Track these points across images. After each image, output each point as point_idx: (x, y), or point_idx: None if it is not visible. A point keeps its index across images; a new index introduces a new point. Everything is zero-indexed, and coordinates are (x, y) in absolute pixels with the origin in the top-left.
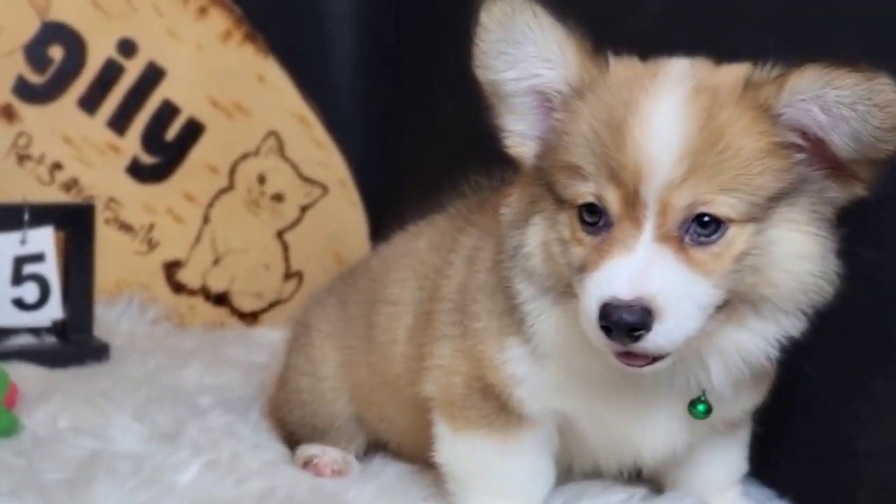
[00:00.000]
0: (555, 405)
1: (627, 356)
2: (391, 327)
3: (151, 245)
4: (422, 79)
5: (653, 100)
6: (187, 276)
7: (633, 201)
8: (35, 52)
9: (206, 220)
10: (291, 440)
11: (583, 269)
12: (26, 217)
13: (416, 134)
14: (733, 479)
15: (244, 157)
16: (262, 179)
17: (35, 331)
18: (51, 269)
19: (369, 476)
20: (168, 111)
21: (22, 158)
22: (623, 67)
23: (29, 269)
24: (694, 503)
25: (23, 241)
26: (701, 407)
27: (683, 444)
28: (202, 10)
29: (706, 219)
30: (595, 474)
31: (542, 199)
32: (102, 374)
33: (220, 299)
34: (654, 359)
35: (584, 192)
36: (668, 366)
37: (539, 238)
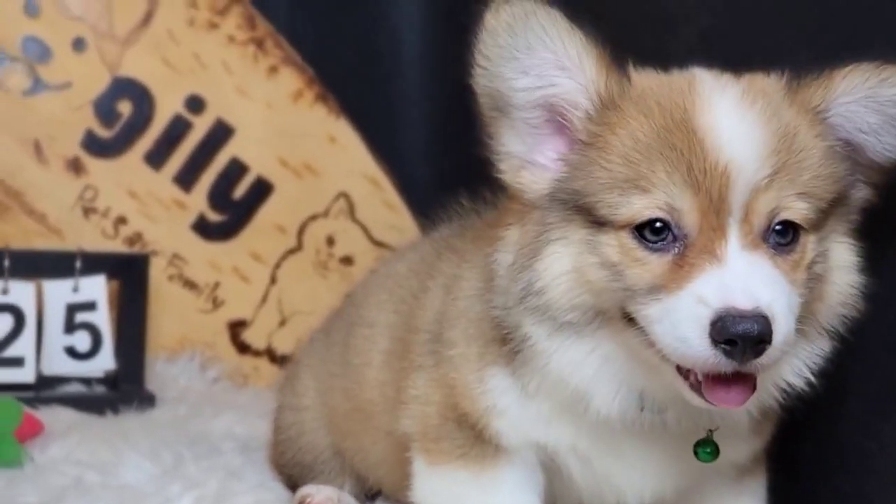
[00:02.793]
0: (536, 438)
1: (724, 389)
2: (365, 350)
3: (216, 304)
4: None
5: (718, 103)
6: (252, 337)
7: (715, 209)
8: (104, 107)
9: (273, 280)
10: (290, 484)
11: (657, 289)
12: (78, 264)
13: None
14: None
15: (313, 217)
16: (331, 241)
17: (86, 380)
18: (103, 319)
19: None
20: (236, 169)
21: (87, 211)
22: (647, 77)
23: (81, 317)
24: None
25: (75, 289)
26: (708, 448)
27: (673, 489)
28: (273, 69)
29: (782, 227)
30: None
31: (563, 224)
32: (134, 419)
33: (286, 361)
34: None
35: (648, 206)
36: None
37: (563, 267)
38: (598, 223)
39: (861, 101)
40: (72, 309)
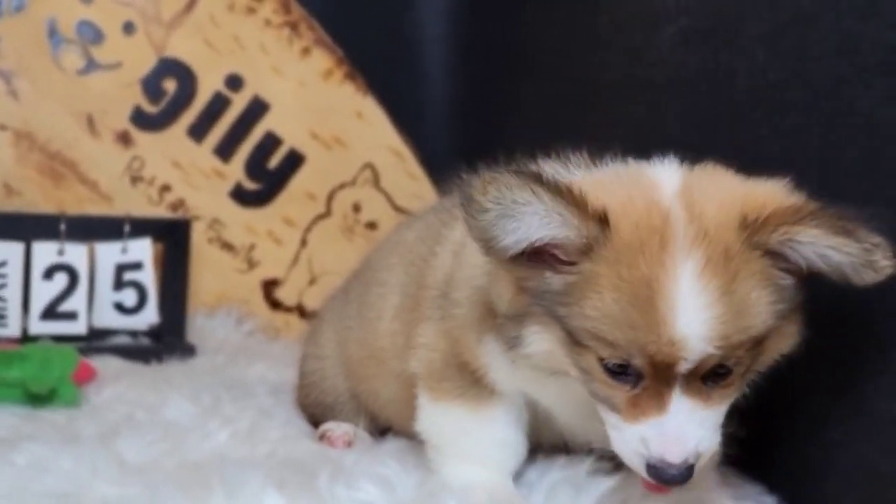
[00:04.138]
0: (523, 389)
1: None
2: (378, 306)
3: (252, 264)
4: (507, 118)
5: (677, 279)
6: (284, 294)
7: (666, 369)
8: (151, 85)
9: (303, 243)
10: (313, 421)
11: (615, 410)
12: (127, 228)
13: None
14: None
15: (341, 186)
16: (357, 208)
17: (133, 333)
18: (148, 277)
19: (372, 447)
20: (271, 142)
21: (135, 180)
22: (626, 224)
23: (129, 276)
24: None
25: (123, 251)
26: None
27: None
28: (306, 50)
29: (722, 368)
30: (563, 449)
31: (546, 319)
32: (177, 367)
33: (314, 316)
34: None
35: (612, 355)
36: None
37: (543, 347)
38: (577, 342)
39: (813, 251)
40: (120, 268)
